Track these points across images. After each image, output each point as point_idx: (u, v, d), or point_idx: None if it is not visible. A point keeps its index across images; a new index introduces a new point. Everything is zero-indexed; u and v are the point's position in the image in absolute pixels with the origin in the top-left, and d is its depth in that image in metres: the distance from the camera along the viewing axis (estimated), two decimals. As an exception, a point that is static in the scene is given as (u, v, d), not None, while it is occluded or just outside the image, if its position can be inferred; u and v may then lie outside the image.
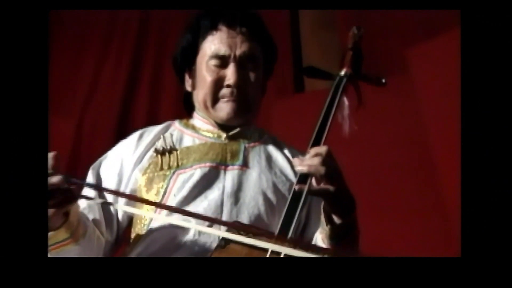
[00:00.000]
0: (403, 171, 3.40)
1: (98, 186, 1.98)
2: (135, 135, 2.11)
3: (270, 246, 1.57)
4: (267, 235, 1.65)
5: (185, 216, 1.83)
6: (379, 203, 3.32)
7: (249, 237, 1.61)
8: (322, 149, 1.71)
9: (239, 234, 1.63)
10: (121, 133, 3.62)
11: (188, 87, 2.12)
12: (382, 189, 3.40)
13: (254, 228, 1.74)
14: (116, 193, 1.96)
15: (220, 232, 1.74)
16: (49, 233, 1.71)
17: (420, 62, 3.44)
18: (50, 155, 1.65)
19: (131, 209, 1.93)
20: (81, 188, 1.90)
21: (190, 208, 1.89)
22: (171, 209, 1.87)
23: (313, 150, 1.72)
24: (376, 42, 3.47)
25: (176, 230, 1.86)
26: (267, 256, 1.58)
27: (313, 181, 1.69)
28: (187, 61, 2.11)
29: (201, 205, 1.90)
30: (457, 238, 1.39)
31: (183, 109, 2.20)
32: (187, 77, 2.12)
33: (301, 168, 1.69)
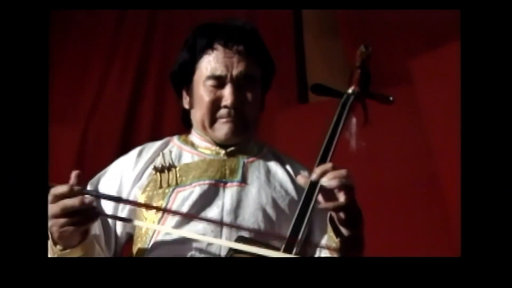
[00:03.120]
0: (406, 182, 3.39)
1: (123, 199, 1.94)
2: (135, 152, 2.09)
3: (278, 255, 1.55)
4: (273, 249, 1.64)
5: (191, 227, 1.85)
6: (383, 213, 3.31)
7: (256, 246, 1.60)
8: (328, 165, 1.71)
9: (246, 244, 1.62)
10: (125, 145, 3.65)
11: (186, 105, 2.11)
12: (385, 200, 3.39)
13: (259, 243, 1.72)
14: (136, 203, 1.95)
15: (228, 242, 1.73)
16: (66, 251, 1.70)
17: (423, 74, 3.44)
18: (74, 174, 1.68)
19: (145, 224, 1.92)
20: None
21: (190, 226, 1.88)
22: (179, 214, 1.87)
23: (319, 168, 1.71)
24: (379, 53, 3.47)
25: (177, 248, 1.85)
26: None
27: (320, 197, 1.69)
28: (184, 79, 2.09)
29: (200, 223, 1.88)
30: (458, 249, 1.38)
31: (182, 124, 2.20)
32: (184, 93, 2.11)
33: (334, 182, 1.66)
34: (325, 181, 1.68)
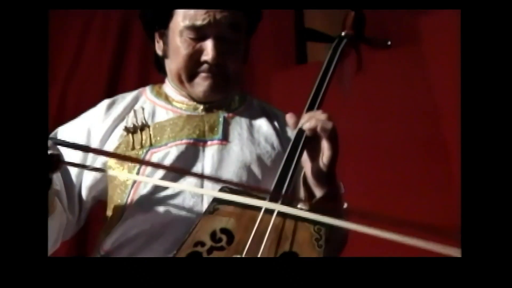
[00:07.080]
0: (410, 141, 3.38)
1: (88, 148, 1.82)
2: (103, 105, 1.96)
3: (264, 204, 1.49)
4: (262, 191, 1.58)
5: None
6: (382, 174, 3.31)
7: (242, 195, 1.51)
8: (317, 112, 1.62)
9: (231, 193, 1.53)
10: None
11: (159, 51, 1.94)
12: (387, 160, 3.39)
13: (247, 187, 1.66)
14: (106, 153, 1.83)
15: (212, 192, 1.62)
16: None
17: (430, 32, 3.39)
18: None
19: (118, 173, 1.82)
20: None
21: (167, 191, 1.76)
22: (155, 166, 1.77)
23: (308, 115, 1.61)
24: (385, 14, 3.42)
25: (155, 215, 1.75)
26: (261, 214, 1.49)
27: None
28: (157, 22, 1.91)
29: (179, 182, 1.76)
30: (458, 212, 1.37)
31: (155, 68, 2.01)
32: (157, 37, 1.94)
33: (309, 124, 1.56)
34: (306, 124, 1.59)
